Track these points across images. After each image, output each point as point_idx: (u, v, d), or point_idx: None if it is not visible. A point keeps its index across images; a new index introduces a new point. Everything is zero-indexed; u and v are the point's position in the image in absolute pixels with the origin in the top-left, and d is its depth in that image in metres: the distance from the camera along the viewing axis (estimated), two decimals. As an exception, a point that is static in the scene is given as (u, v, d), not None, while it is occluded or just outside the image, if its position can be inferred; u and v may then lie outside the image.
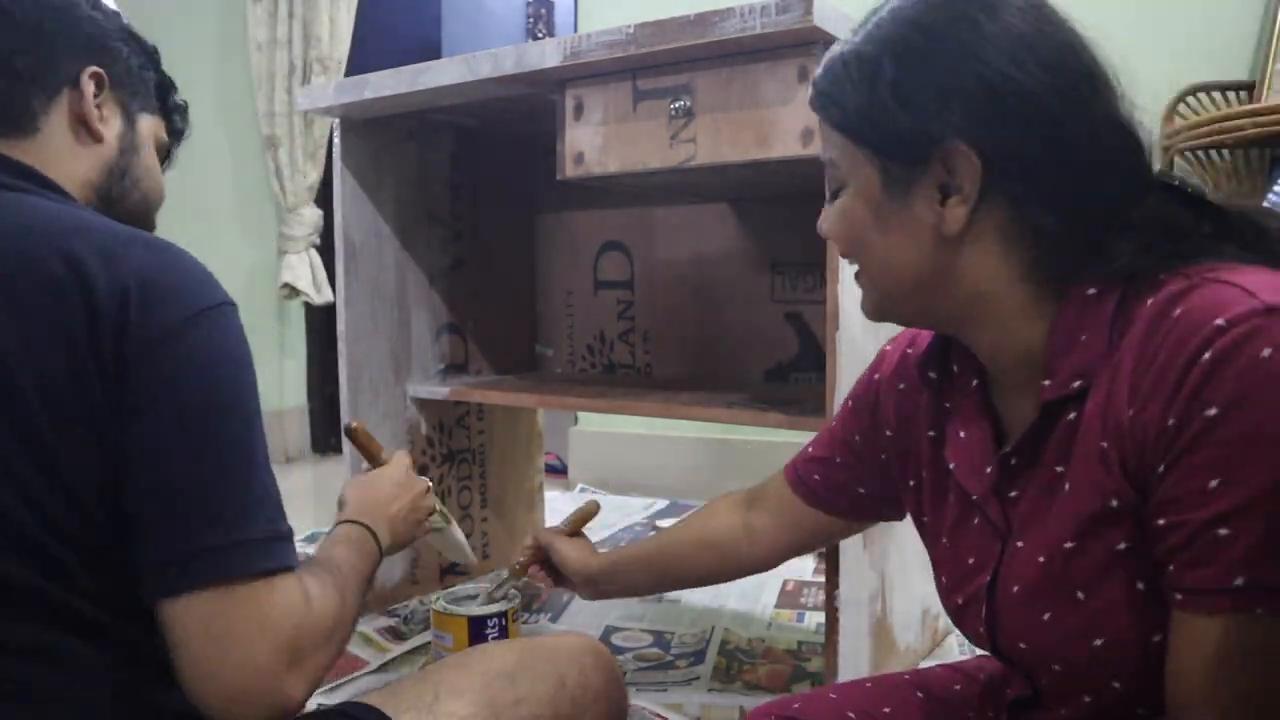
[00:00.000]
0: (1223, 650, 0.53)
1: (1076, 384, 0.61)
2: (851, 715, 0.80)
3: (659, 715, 1.30)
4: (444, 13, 3.20)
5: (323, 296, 3.16)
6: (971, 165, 0.60)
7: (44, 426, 0.62)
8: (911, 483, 0.80)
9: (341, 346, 1.66)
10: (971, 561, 0.71)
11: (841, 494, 0.90)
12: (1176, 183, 0.63)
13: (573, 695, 0.82)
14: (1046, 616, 0.64)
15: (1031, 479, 0.65)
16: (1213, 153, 1.86)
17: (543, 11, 3.45)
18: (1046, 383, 0.62)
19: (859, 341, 1.18)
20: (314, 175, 3.19)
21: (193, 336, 0.66)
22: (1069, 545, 0.62)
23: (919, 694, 0.84)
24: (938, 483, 0.76)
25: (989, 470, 0.68)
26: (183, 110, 0.94)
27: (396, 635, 1.62)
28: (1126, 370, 0.57)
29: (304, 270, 3.17)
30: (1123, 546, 0.59)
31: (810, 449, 0.93)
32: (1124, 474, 0.58)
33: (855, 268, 0.70)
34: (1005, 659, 0.71)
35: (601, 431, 2.81)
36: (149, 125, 0.87)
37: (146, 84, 0.87)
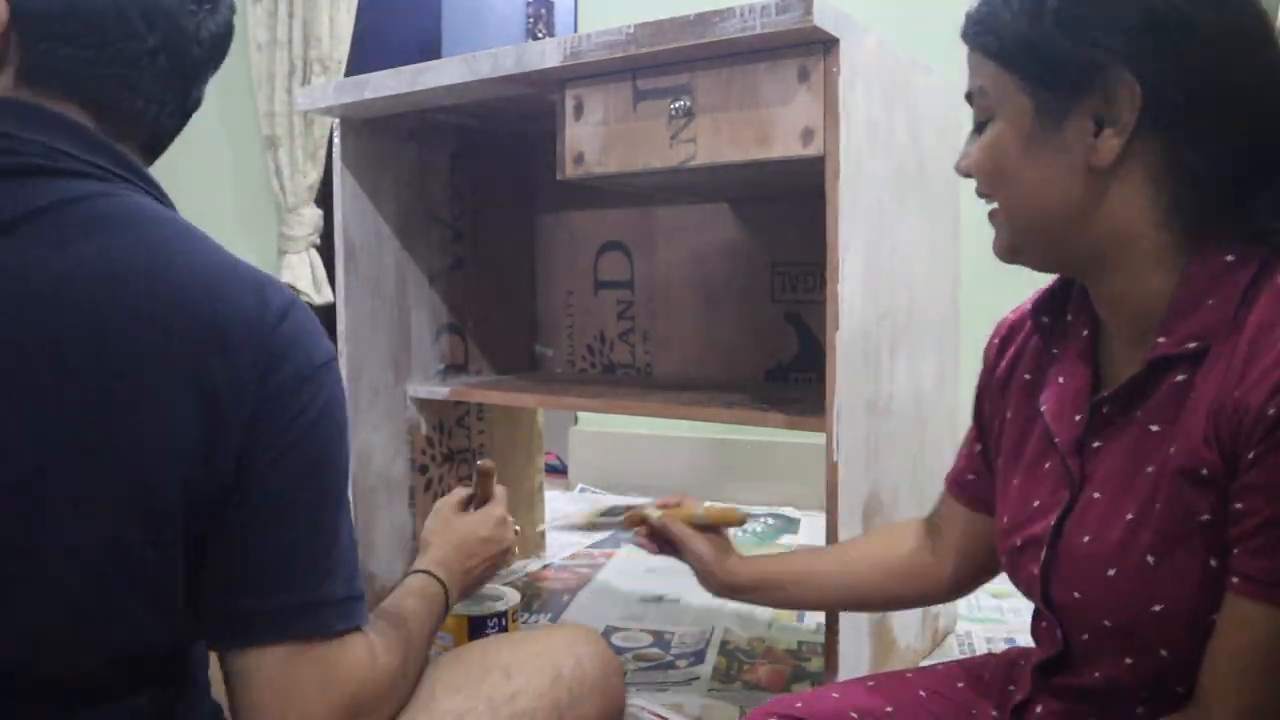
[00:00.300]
0: (1264, 639, 0.55)
1: (1192, 345, 0.60)
2: (854, 715, 0.80)
3: (659, 715, 1.30)
4: (444, 13, 3.20)
5: (323, 296, 3.16)
6: (1132, 95, 0.59)
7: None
8: (997, 421, 0.80)
9: (341, 346, 1.66)
10: (1037, 505, 0.71)
11: (990, 485, 0.85)
12: None
13: (569, 686, 0.82)
14: (1111, 572, 0.64)
15: (1119, 434, 0.66)
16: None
17: (543, 11, 3.45)
18: (1161, 339, 0.62)
19: (859, 341, 1.18)
20: (314, 175, 3.19)
21: (308, 393, 0.63)
22: (1156, 507, 0.61)
23: (921, 693, 0.84)
24: (1024, 424, 0.76)
25: (1079, 418, 0.68)
26: None
27: (396, 635, 1.62)
28: (1244, 345, 0.57)
29: (304, 270, 3.17)
30: (1205, 518, 0.59)
31: (963, 449, 0.90)
32: (1220, 447, 0.58)
33: (992, 206, 0.69)
34: (1050, 608, 0.70)
35: (601, 431, 2.81)
36: None
37: None
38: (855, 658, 1.21)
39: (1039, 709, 0.74)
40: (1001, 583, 0.86)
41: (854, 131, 1.13)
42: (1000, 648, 1.25)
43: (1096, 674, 0.68)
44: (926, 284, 1.40)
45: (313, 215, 3.20)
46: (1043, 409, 0.73)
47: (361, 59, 3.05)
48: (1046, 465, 0.72)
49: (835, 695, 0.83)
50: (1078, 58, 0.60)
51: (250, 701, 0.63)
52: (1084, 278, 0.70)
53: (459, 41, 3.16)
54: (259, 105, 3.18)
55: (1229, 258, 0.60)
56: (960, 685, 0.84)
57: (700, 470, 2.64)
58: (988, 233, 0.71)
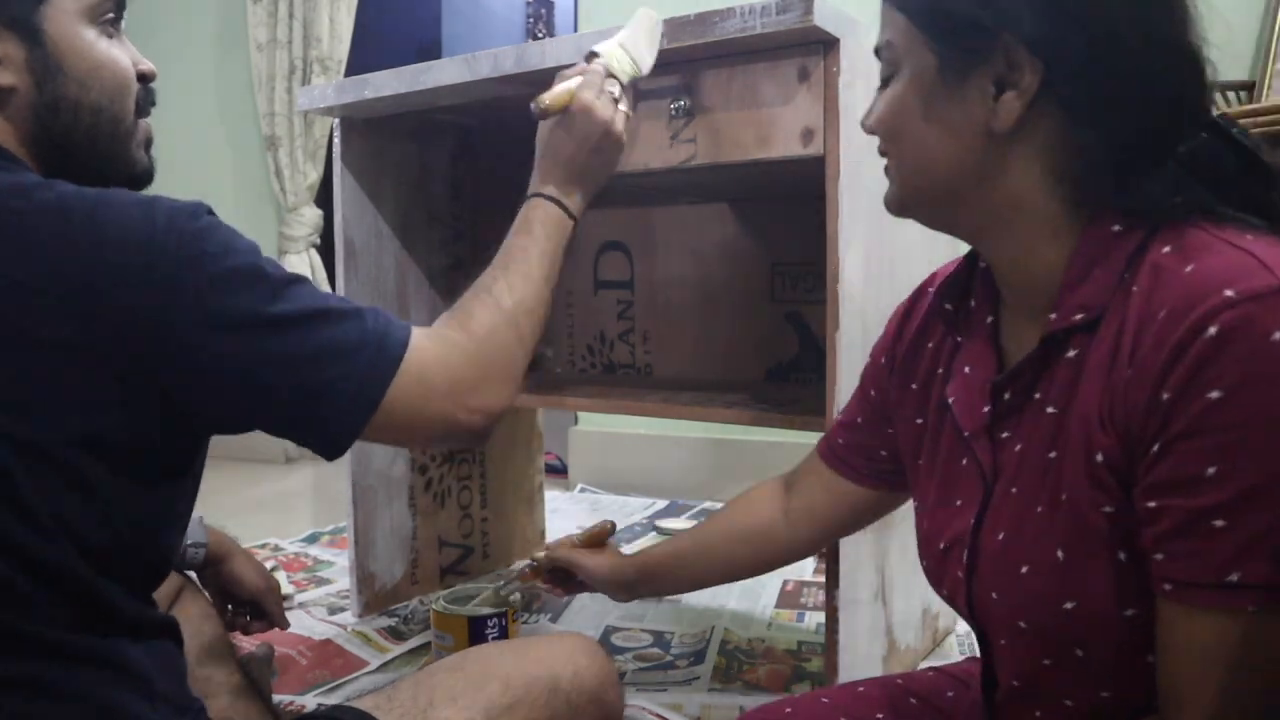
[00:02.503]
0: (1212, 648, 0.52)
1: (1079, 317, 0.59)
2: None
3: (659, 715, 1.30)
4: (444, 13, 3.20)
5: (307, 277, 3.16)
6: (1032, 61, 0.59)
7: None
8: (917, 421, 0.78)
9: (341, 346, 1.66)
10: (959, 504, 0.69)
11: (867, 458, 0.87)
12: (1234, 131, 0.60)
13: (568, 697, 0.82)
14: (1024, 570, 0.62)
15: (1026, 421, 0.64)
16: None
17: (543, 11, 3.45)
18: (1053, 315, 0.61)
19: (859, 341, 1.18)
20: (314, 175, 3.19)
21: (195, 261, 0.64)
22: (1063, 498, 0.59)
23: (912, 699, 0.83)
24: (937, 423, 0.74)
25: (986, 409, 0.67)
26: None
27: (396, 635, 1.62)
28: (1132, 320, 0.55)
29: (304, 270, 3.17)
30: (1108, 510, 0.57)
31: (840, 416, 0.91)
32: (1116, 431, 0.56)
33: (885, 160, 0.69)
34: (974, 615, 0.69)
35: (601, 431, 2.81)
36: (61, 16, 0.70)
37: None
38: (855, 658, 1.21)
39: None
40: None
41: (854, 131, 1.12)
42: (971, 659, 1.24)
43: (1016, 682, 0.66)
44: (926, 284, 1.40)
45: (313, 215, 3.20)
46: (950, 401, 0.71)
47: (361, 59, 3.05)
48: (963, 461, 0.70)
49: (825, 700, 0.83)
50: (982, 19, 0.60)
51: (411, 434, 0.78)
52: (975, 244, 0.69)
53: (459, 41, 3.17)
54: (259, 105, 3.18)
55: (1116, 228, 0.59)
56: (950, 694, 0.84)
57: (700, 470, 2.64)
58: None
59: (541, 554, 1.15)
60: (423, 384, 0.73)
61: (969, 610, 0.69)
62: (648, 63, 1.10)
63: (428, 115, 1.67)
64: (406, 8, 3.26)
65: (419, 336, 0.75)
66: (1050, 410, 0.61)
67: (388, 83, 1.45)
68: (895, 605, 1.34)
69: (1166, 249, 0.56)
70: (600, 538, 1.17)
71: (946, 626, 1.57)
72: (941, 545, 0.70)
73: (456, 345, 0.78)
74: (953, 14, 0.61)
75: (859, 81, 1.13)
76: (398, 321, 0.74)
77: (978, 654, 0.75)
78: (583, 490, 2.75)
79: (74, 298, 0.60)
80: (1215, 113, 0.61)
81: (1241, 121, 0.62)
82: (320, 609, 1.75)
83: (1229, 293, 0.50)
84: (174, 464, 0.69)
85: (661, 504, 2.55)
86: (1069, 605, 0.59)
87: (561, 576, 1.15)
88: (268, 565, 1.37)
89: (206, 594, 1.13)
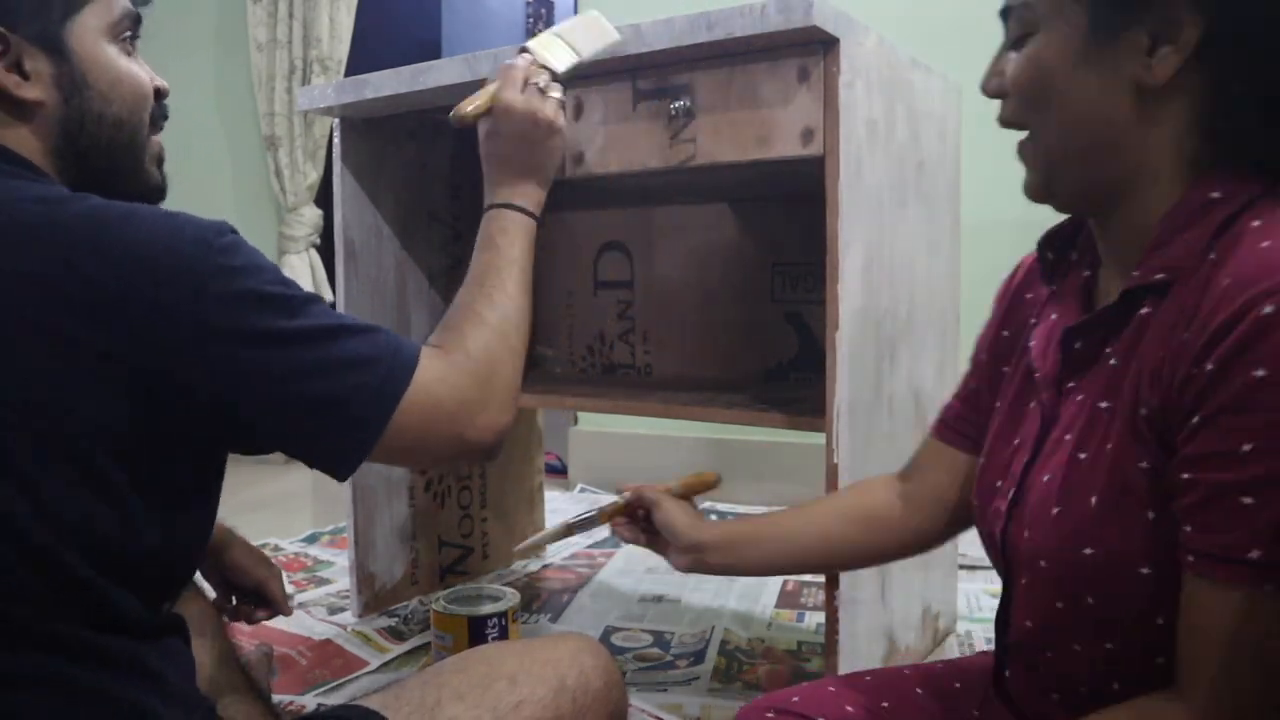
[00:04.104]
0: (1225, 623, 0.53)
1: (1159, 277, 0.59)
2: (850, 709, 0.80)
3: (659, 715, 1.30)
4: (444, 13, 3.20)
5: (323, 296, 3.16)
6: (1192, 17, 0.57)
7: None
8: (1003, 369, 0.78)
9: (341, 346, 1.66)
10: (1017, 443, 0.71)
11: (983, 427, 0.82)
12: None
13: (573, 696, 0.82)
14: (1056, 511, 0.63)
15: (1092, 373, 0.64)
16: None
17: (543, 11, 3.45)
18: (1136, 272, 0.61)
19: (859, 341, 1.18)
20: (314, 175, 3.19)
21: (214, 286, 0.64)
22: (1108, 447, 0.60)
23: (919, 690, 0.83)
24: (1016, 366, 0.75)
25: (1058, 356, 0.68)
26: None
27: (396, 635, 1.62)
28: (1202, 286, 0.55)
29: (304, 270, 3.17)
30: (1145, 465, 0.58)
31: (954, 392, 0.88)
32: (1160, 392, 0.56)
33: (1021, 137, 0.67)
34: (1003, 552, 0.70)
35: (601, 431, 2.81)
36: (85, 31, 0.72)
37: None
38: (855, 658, 1.21)
39: (1008, 673, 0.74)
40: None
41: (854, 131, 1.12)
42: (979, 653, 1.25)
43: (1029, 623, 0.67)
44: (926, 284, 1.40)
45: (313, 215, 3.20)
46: (1030, 344, 0.71)
47: (361, 59, 3.05)
48: (1030, 405, 0.70)
49: (832, 689, 0.83)
50: None
51: (423, 454, 0.77)
52: (1104, 214, 0.67)
53: (459, 41, 3.17)
54: (259, 105, 3.18)
55: (1215, 194, 0.59)
56: (958, 685, 0.84)
57: (700, 470, 2.64)
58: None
59: (629, 495, 1.05)
60: (432, 401, 0.74)
61: (1000, 546, 0.70)
62: (589, 50, 1.09)
63: (428, 115, 1.67)
64: (406, 8, 3.26)
65: (427, 355, 0.76)
66: (1113, 363, 0.62)
67: (388, 83, 1.45)
68: (895, 605, 1.34)
69: (1256, 222, 0.56)
70: (699, 487, 1.07)
71: (946, 627, 1.57)
72: (996, 481, 0.72)
73: (459, 365, 0.79)
74: None
75: (859, 81, 1.13)
76: (407, 340, 0.75)
77: (974, 650, 0.75)
78: (583, 490, 2.75)
79: (104, 306, 0.61)
80: None
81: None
82: (320, 609, 1.75)
83: None
84: (194, 482, 0.70)
85: (661, 504, 2.55)
86: (1088, 551, 0.60)
87: (647, 526, 1.04)
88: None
89: (206, 591, 1.13)
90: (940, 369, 1.48)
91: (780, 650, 1.54)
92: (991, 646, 0.79)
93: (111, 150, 0.75)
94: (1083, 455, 0.62)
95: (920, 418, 1.39)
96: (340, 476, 0.72)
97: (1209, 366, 0.52)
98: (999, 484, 0.72)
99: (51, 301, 0.61)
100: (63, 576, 0.62)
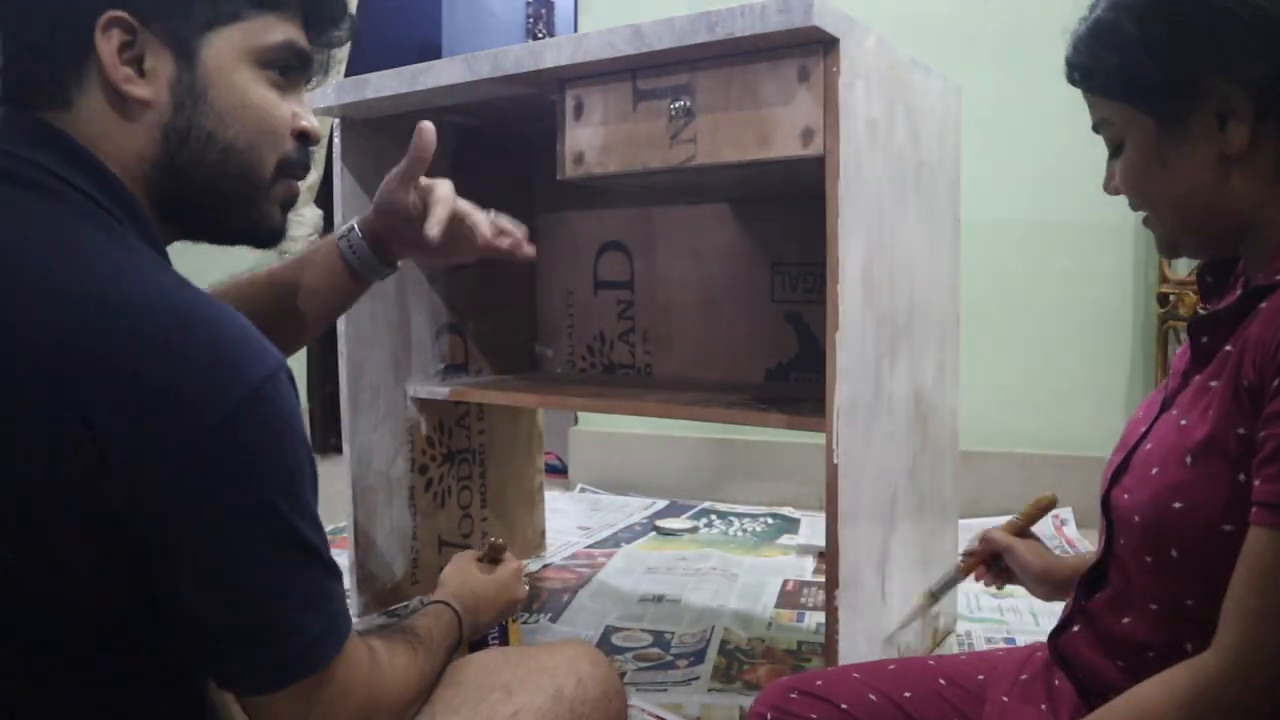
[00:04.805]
0: (1269, 568, 0.58)
1: (1279, 277, 0.65)
2: (873, 697, 0.82)
3: (659, 715, 1.30)
4: (444, 13, 3.20)
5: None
6: (1243, 92, 0.65)
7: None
8: None
9: (341, 347, 1.66)
10: (1140, 415, 0.78)
11: None
12: None
13: (571, 705, 0.81)
14: (1154, 471, 0.69)
15: (1210, 365, 0.69)
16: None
17: (543, 11, 3.45)
18: (1261, 275, 0.67)
19: (859, 341, 1.18)
20: (314, 175, 3.19)
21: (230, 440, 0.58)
22: (1209, 413, 0.66)
23: (941, 680, 0.85)
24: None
25: (1189, 352, 0.74)
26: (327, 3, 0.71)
27: (396, 635, 1.62)
28: None
29: (304, 270, 3.17)
30: (1242, 431, 0.63)
31: None
32: (1257, 367, 0.62)
33: (1144, 214, 0.76)
34: (1108, 513, 0.75)
35: (601, 431, 2.81)
36: (226, 47, 0.67)
37: None
38: (855, 658, 1.21)
39: (1075, 628, 0.77)
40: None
41: (854, 131, 1.13)
42: (1001, 647, 1.24)
43: (1117, 581, 0.72)
44: (926, 284, 1.40)
45: (313, 215, 3.20)
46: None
47: (361, 59, 3.04)
48: (1165, 393, 0.77)
49: (856, 675, 0.85)
50: (1178, 77, 0.67)
51: None
52: (1229, 250, 0.75)
53: (459, 42, 3.16)
54: (259, 105, 3.18)
55: None
56: (981, 677, 0.86)
57: (700, 470, 2.64)
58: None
59: (979, 544, 1.06)
60: (344, 684, 0.65)
61: (1105, 508, 0.75)
62: None
63: (428, 115, 1.67)
64: (406, 8, 3.25)
65: (353, 643, 0.67)
66: (1228, 348, 0.68)
67: (388, 83, 1.45)
68: (895, 605, 1.34)
69: None
70: (1039, 513, 1.06)
71: (946, 626, 1.57)
72: (1119, 460, 0.77)
73: (382, 671, 0.70)
74: (1151, 84, 0.68)
75: (859, 81, 1.13)
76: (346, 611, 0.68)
77: (976, 649, 0.76)
78: (583, 490, 2.75)
79: (119, 411, 0.56)
80: None
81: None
82: (320, 609, 1.75)
83: None
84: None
85: (661, 504, 2.55)
86: (1177, 505, 0.66)
87: (1000, 567, 1.05)
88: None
89: None
90: (940, 369, 1.48)
91: (780, 650, 1.54)
92: (991, 647, 0.80)
93: (215, 176, 0.68)
94: (1184, 422, 0.68)
95: (920, 418, 1.39)
96: (229, 689, 0.66)
97: None
98: (1119, 463, 0.76)
99: (68, 380, 0.56)
100: (102, 632, 0.61)
